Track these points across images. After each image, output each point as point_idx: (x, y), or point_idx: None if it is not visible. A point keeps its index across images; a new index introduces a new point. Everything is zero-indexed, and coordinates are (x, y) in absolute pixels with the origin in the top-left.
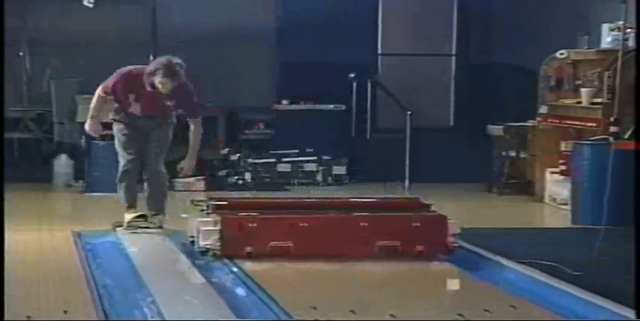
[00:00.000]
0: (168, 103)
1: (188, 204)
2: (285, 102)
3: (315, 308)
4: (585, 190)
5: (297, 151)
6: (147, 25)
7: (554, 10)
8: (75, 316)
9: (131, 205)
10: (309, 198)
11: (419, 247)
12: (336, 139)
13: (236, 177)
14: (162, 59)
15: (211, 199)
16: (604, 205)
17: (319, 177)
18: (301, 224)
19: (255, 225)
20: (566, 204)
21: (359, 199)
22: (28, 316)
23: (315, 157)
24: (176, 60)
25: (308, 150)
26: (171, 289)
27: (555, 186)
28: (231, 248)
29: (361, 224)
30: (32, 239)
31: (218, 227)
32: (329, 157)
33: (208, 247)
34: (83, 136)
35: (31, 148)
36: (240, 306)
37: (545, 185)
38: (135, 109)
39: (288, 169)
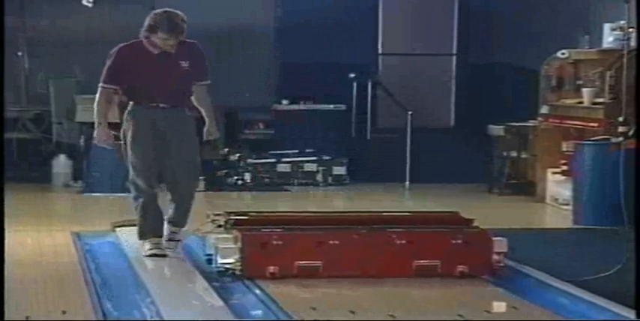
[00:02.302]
0: (183, 64)
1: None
2: (285, 102)
3: (314, 309)
4: (587, 190)
5: (297, 151)
6: None
7: (555, 9)
8: (73, 316)
9: (155, 235)
10: (338, 212)
11: (461, 267)
12: (336, 139)
13: (236, 177)
14: (158, 11)
15: (230, 213)
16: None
17: (319, 177)
18: (331, 242)
19: (280, 242)
20: (567, 204)
21: (392, 214)
22: (27, 316)
23: (315, 158)
24: (176, 11)
25: (308, 150)
26: (170, 288)
27: (557, 186)
28: (253, 268)
29: (397, 242)
30: (31, 240)
31: (238, 245)
32: (329, 158)
33: (228, 266)
34: (82, 137)
35: (30, 148)
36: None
37: (546, 185)
38: (146, 88)
39: (288, 170)
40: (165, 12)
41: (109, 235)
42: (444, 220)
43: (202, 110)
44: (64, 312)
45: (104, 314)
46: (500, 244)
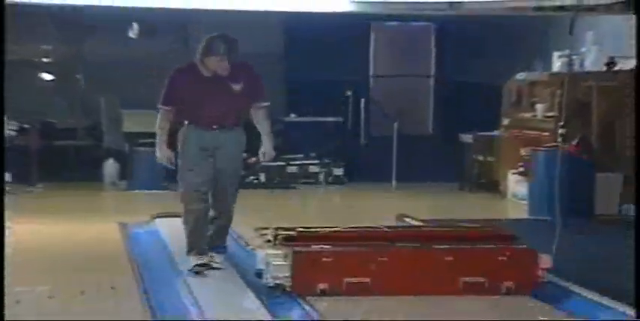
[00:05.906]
0: (235, 87)
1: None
2: (293, 115)
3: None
4: (539, 188)
5: (302, 155)
6: (181, 51)
7: (515, 40)
8: (120, 292)
9: (198, 251)
10: (383, 228)
11: (507, 283)
12: (336, 145)
13: (252, 177)
14: (213, 35)
15: (277, 229)
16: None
17: (321, 177)
18: (380, 258)
19: (329, 259)
20: (524, 199)
21: (435, 229)
22: (82, 292)
23: (317, 161)
24: (229, 35)
25: (312, 154)
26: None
27: (516, 185)
28: (303, 284)
29: (445, 258)
30: (85, 229)
31: (289, 261)
32: (329, 161)
33: (278, 282)
34: (127, 144)
35: (85, 153)
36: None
37: (508, 184)
38: (197, 109)
39: (296, 171)
40: (219, 36)
41: (149, 225)
42: (486, 236)
43: (260, 131)
44: (112, 288)
45: (145, 290)
46: (545, 260)
